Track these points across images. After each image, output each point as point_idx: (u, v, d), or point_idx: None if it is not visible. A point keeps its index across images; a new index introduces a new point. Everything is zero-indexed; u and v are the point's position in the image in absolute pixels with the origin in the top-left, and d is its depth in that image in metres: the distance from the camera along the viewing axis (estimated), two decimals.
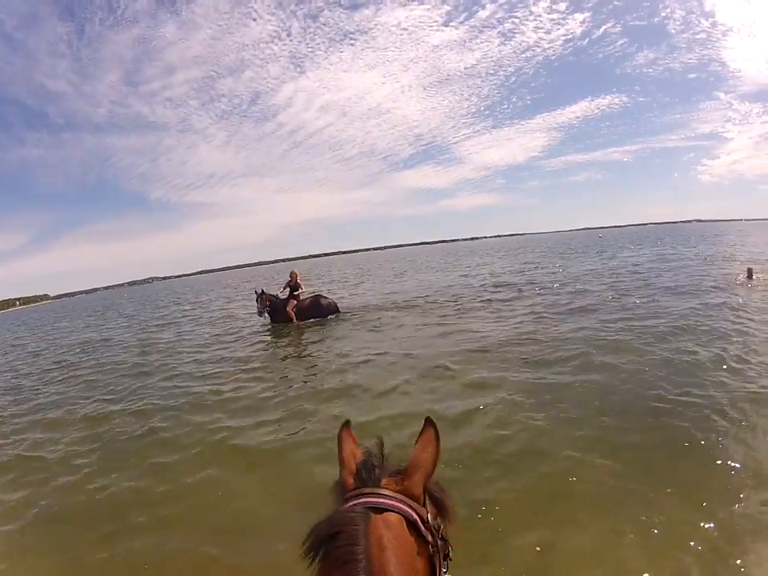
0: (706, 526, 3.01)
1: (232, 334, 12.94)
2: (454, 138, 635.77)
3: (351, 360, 8.17)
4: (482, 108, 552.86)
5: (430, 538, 0.81)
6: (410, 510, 0.80)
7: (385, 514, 0.78)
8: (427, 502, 0.87)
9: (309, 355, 9.41)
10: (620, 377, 5.86)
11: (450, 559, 0.89)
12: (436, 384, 6.31)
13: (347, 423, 1.00)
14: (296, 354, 9.73)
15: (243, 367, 8.70)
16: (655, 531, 3.01)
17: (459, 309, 12.84)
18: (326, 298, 13.95)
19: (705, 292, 12.45)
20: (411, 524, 0.80)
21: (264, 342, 11.57)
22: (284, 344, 11.06)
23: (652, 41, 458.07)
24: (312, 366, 8.38)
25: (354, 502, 0.81)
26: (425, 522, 0.81)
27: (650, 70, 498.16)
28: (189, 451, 5.14)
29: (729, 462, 3.72)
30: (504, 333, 9.08)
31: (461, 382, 6.28)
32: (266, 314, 13.38)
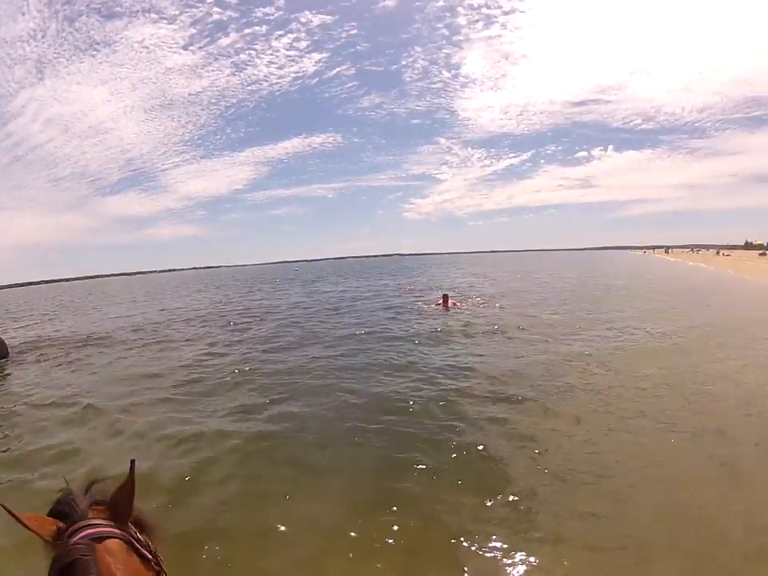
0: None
1: None
2: (163, 165, 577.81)
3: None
4: (196, 137, 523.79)
5: (150, 556, 0.90)
6: (124, 533, 0.88)
7: (105, 541, 0.84)
8: (131, 524, 0.93)
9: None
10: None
11: (165, 573, 0.95)
12: (137, 442, 5.14)
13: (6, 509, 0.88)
14: None
15: None
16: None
17: (146, 346, 11.33)
18: None
19: (399, 321, 12.37)
20: (129, 546, 0.87)
21: None
22: None
23: (383, 86, 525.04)
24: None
25: (76, 537, 0.83)
26: (139, 541, 0.90)
27: (372, 113, 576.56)
28: None
29: None
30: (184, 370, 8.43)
31: (160, 432, 5.37)
32: None
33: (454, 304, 14.31)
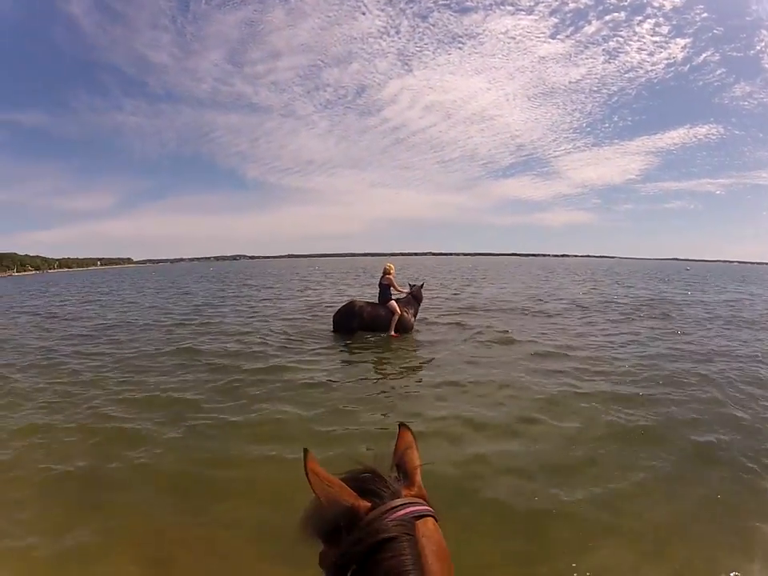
0: None
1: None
2: (555, 152, 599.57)
3: None
4: (584, 125, 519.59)
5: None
6: (435, 513, 0.83)
7: (423, 519, 0.79)
8: None
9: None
10: None
11: None
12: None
13: (306, 453, 0.85)
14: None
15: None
16: None
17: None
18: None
19: None
20: (438, 526, 0.82)
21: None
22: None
23: (748, 74, 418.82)
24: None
25: (396, 514, 0.77)
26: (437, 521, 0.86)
27: (746, 103, 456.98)
28: None
29: None
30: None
31: None
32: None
33: None
